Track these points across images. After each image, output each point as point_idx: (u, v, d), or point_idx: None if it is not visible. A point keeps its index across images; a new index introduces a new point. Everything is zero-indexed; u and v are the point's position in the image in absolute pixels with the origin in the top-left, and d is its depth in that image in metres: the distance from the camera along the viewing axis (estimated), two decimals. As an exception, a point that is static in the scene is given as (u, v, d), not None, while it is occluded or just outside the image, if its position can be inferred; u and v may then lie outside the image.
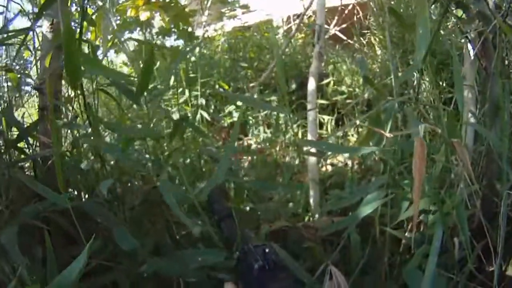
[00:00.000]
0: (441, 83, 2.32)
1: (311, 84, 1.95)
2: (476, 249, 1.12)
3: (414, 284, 1.02)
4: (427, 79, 2.01)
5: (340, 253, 1.26)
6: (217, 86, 3.49)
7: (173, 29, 2.74)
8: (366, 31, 3.81)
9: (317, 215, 1.73)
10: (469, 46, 1.35)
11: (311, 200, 1.82)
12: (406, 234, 1.27)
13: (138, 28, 2.54)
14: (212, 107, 3.40)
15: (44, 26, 1.37)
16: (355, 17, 4.41)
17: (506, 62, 1.31)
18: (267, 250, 0.80)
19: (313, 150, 1.72)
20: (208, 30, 4.97)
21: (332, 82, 3.59)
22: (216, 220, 1.03)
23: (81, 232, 0.96)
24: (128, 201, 1.31)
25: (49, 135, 1.28)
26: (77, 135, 1.38)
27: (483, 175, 1.31)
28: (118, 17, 2.47)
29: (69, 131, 1.42)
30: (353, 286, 1.13)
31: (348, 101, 3.45)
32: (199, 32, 4.49)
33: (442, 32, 1.57)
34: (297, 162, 2.60)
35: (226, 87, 3.49)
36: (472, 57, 1.32)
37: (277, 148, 2.83)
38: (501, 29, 1.13)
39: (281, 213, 1.66)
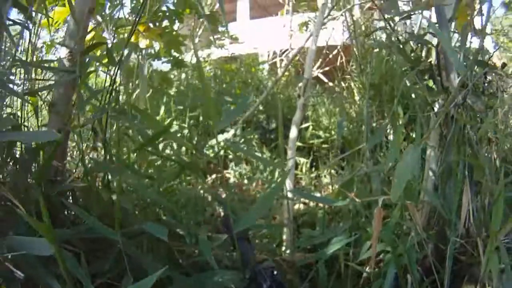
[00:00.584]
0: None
1: (293, 133, 2.11)
2: (425, 283, 1.30)
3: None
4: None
5: (310, 283, 1.44)
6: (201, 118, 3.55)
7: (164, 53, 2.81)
8: (347, 76, 3.96)
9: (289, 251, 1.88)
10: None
11: (284, 237, 1.97)
12: (367, 269, 1.45)
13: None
14: (196, 139, 3.47)
15: (62, 52, 1.42)
16: (338, 61, 4.63)
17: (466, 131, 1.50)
18: (275, 272, 0.90)
19: (289, 195, 1.88)
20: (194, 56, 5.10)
21: (310, 127, 3.74)
22: (231, 239, 1.09)
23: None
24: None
25: (61, 158, 1.37)
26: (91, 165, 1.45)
27: (437, 223, 1.50)
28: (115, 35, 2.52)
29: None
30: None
31: (324, 145, 3.62)
32: (187, 57, 4.62)
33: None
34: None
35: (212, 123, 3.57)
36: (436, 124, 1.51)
37: (254, 185, 2.95)
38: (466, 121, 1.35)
39: (259, 247, 1.81)
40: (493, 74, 1.57)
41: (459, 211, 1.36)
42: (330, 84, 4.78)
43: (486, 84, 1.53)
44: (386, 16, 1.65)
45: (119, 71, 1.48)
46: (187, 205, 1.98)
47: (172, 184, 1.95)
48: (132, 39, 2.52)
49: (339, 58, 4.69)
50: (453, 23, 1.65)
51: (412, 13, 1.77)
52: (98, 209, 1.30)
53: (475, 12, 1.88)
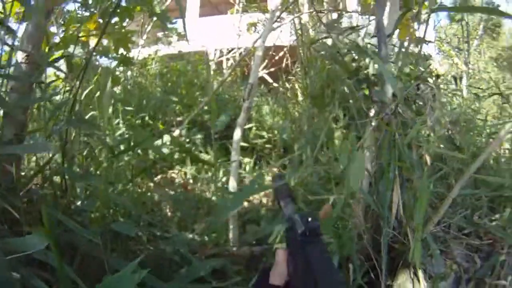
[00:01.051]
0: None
1: (237, 134, 2.21)
2: (363, 268, 1.47)
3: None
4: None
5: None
6: (147, 118, 3.56)
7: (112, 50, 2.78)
8: (291, 77, 4.09)
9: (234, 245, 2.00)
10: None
11: (230, 232, 2.08)
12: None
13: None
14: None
15: (19, 56, 1.40)
16: (283, 62, 4.77)
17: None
18: (309, 219, 0.91)
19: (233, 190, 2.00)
20: (143, 53, 5.06)
21: (254, 128, 3.84)
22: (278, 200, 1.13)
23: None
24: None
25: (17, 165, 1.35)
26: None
27: (373, 218, 1.67)
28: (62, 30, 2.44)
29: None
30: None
31: (267, 145, 3.74)
32: (134, 53, 4.57)
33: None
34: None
35: (161, 125, 3.61)
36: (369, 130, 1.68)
37: (199, 184, 3.01)
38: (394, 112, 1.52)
39: (206, 242, 1.89)
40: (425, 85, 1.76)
41: (391, 206, 1.55)
42: (275, 84, 4.90)
43: (417, 95, 1.71)
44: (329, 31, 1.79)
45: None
46: (137, 205, 2.02)
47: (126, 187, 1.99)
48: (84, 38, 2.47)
49: (284, 59, 4.84)
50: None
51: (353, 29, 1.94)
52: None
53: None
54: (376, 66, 1.68)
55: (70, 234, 1.16)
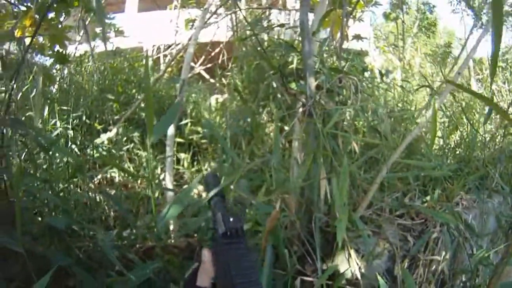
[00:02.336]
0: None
1: (170, 130, 2.25)
2: (297, 253, 1.60)
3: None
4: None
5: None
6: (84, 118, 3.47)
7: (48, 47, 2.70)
8: (228, 73, 4.15)
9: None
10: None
11: (171, 227, 2.12)
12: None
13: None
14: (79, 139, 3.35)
15: None
16: (220, 58, 4.81)
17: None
18: (231, 219, 0.93)
19: (169, 186, 2.03)
20: (80, 49, 4.92)
21: (189, 124, 3.85)
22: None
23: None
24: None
25: None
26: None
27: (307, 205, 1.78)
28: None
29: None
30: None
31: (203, 140, 3.76)
32: (70, 49, 4.43)
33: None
34: (156, 195, 2.82)
35: (96, 125, 3.52)
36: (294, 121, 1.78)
37: (139, 182, 3.00)
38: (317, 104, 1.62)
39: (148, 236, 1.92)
40: (348, 78, 1.88)
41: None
42: (212, 80, 4.94)
43: (339, 87, 1.83)
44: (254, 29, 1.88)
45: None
46: (77, 206, 2.01)
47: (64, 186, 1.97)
48: (19, 34, 2.38)
49: (221, 55, 4.89)
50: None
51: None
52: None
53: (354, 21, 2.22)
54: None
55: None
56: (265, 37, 3.38)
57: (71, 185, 2.14)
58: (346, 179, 1.42)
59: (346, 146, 1.77)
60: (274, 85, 1.92)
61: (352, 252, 1.60)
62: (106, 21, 4.63)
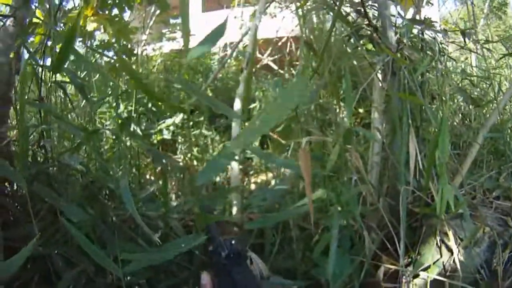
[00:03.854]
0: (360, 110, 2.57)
1: (236, 105, 2.09)
2: (379, 236, 1.32)
3: (322, 263, 1.21)
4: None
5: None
6: (149, 105, 3.52)
7: (114, 44, 2.75)
8: (296, 63, 3.99)
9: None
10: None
11: (233, 209, 1.95)
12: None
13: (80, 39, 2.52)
14: (144, 123, 3.43)
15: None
16: (287, 48, 4.68)
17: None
18: (233, 242, 0.94)
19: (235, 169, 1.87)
20: (147, 49, 5.02)
21: (258, 106, 3.78)
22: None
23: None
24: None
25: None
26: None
27: (388, 178, 1.52)
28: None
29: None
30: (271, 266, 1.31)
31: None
32: (138, 50, 4.52)
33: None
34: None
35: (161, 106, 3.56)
36: (380, 84, 1.54)
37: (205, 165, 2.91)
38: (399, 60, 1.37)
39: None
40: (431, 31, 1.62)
41: (408, 165, 1.38)
42: (280, 71, 4.83)
43: (422, 40, 1.58)
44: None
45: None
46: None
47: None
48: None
49: (288, 45, 4.76)
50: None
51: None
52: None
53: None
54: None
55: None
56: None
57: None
58: (446, 134, 1.13)
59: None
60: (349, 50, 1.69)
61: (451, 234, 1.33)
62: (172, 21, 4.70)
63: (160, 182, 1.90)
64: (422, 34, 1.58)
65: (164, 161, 1.64)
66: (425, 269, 1.35)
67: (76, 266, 1.17)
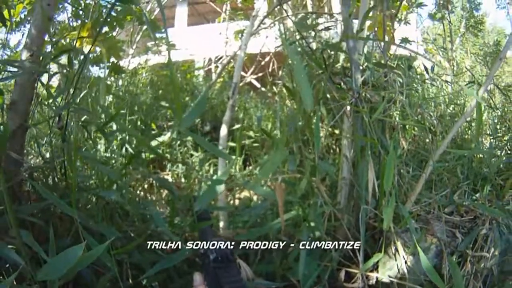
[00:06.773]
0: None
1: (223, 131, 2.33)
2: (343, 246, 1.63)
3: (296, 267, 1.50)
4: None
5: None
6: (139, 123, 3.67)
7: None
8: (278, 81, 4.24)
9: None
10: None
11: (221, 223, 2.22)
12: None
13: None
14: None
15: (23, 55, 1.54)
16: (270, 67, 4.90)
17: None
18: (221, 245, 0.99)
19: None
20: (133, 62, 5.16)
21: (241, 129, 3.90)
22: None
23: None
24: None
25: (20, 151, 1.49)
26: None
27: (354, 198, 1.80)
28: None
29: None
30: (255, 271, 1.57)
31: (255, 144, 3.86)
32: (124, 63, 4.66)
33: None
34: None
35: (153, 125, 3.71)
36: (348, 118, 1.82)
37: (191, 183, 3.12)
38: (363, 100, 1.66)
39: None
40: (393, 73, 1.90)
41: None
42: (263, 89, 5.03)
43: (386, 81, 1.86)
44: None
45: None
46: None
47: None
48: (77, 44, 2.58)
49: (271, 64, 4.97)
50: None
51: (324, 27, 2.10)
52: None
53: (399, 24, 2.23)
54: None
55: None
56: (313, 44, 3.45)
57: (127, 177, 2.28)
58: (392, 166, 1.42)
59: (393, 141, 1.79)
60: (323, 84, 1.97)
61: (399, 244, 1.61)
62: (158, 35, 4.80)
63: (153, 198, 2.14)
64: (386, 77, 1.85)
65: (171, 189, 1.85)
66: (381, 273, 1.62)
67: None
